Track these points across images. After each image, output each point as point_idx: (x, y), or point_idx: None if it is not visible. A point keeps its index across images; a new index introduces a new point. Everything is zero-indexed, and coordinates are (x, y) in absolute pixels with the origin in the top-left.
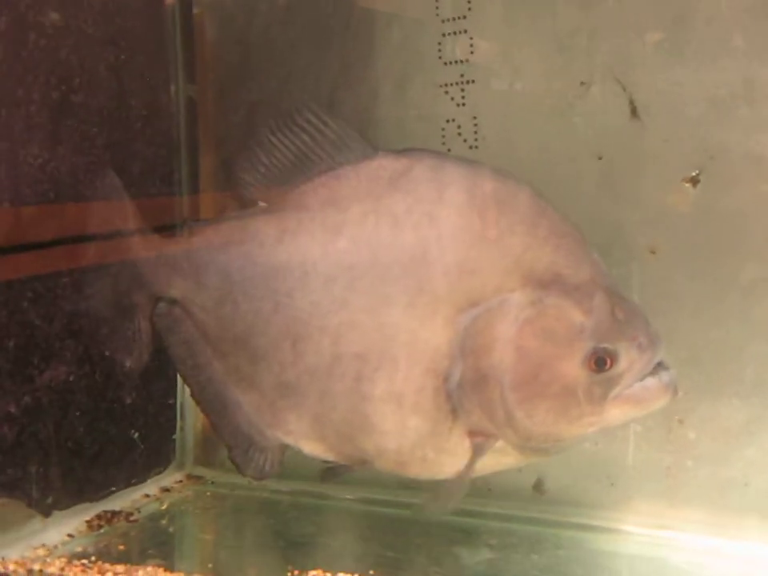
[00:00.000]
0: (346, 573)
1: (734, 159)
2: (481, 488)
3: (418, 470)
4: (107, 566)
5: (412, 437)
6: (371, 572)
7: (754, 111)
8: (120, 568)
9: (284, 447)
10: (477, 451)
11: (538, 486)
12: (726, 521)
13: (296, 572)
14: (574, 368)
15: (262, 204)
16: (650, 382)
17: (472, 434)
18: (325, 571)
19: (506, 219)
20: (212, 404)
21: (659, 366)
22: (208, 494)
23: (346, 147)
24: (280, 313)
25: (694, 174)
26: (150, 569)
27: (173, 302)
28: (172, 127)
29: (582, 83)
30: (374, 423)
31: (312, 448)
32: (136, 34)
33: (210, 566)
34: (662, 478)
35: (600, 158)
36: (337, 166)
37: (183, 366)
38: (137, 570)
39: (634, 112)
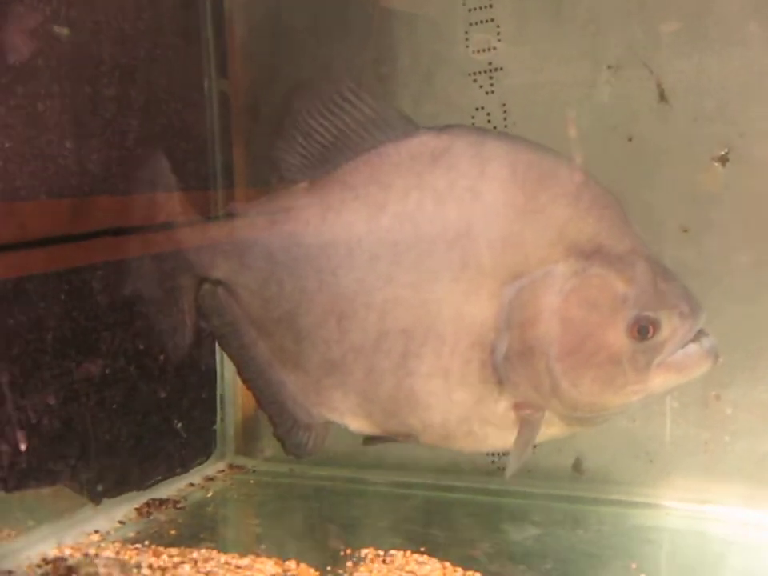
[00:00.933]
0: (398, 550)
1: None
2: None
3: (463, 444)
4: (161, 548)
5: (458, 411)
6: (422, 548)
7: None
8: (174, 551)
9: (328, 425)
10: (530, 425)
11: (577, 466)
12: (763, 493)
13: (348, 550)
14: (617, 337)
15: (303, 185)
16: (692, 348)
17: (518, 406)
18: (377, 549)
19: (548, 192)
20: (257, 383)
21: (700, 333)
22: (251, 482)
23: (386, 125)
24: (325, 291)
25: (722, 153)
26: (203, 551)
27: (217, 283)
28: (205, 122)
29: (609, 67)
30: (420, 399)
31: (358, 425)
32: (168, 29)
33: (262, 546)
34: (699, 453)
35: (630, 140)
36: (378, 145)
37: (228, 347)
38: (191, 552)
39: (662, 95)
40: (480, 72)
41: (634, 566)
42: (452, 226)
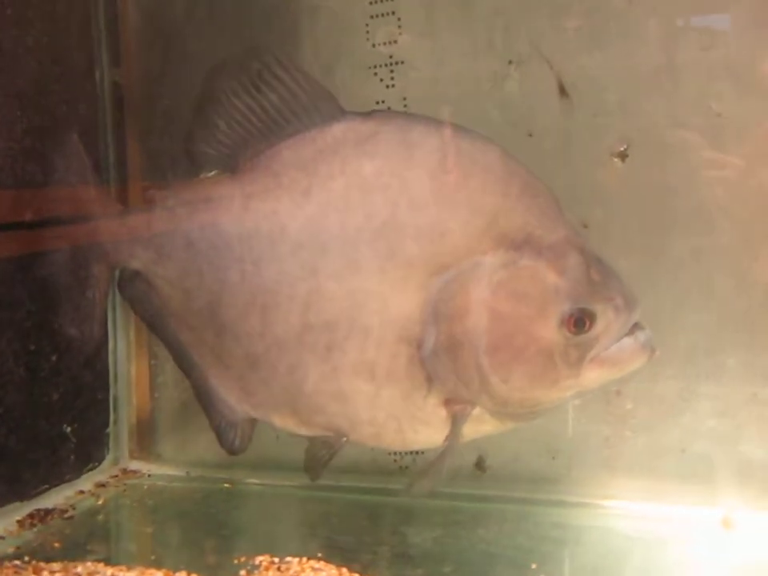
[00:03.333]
0: (294, 557)
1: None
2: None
3: (392, 442)
4: (42, 564)
5: (386, 407)
6: (319, 554)
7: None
8: (56, 566)
9: (254, 422)
10: (456, 421)
11: (480, 464)
12: (664, 487)
13: (242, 558)
14: (550, 330)
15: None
16: (627, 342)
17: (448, 402)
18: (272, 556)
19: (477, 180)
20: (189, 374)
21: (635, 327)
22: (145, 487)
23: (313, 108)
24: (247, 282)
25: (622, 148)
26: (89, 564)
27: (136, 273)
28: (97, 112)
29: (511, 62)
30: (346, 394)
31: (283, 422)
32: (57, 16)
33: (152, 557)
34: (601, 448)
35: (530, 135)
36: (303, 129)
37: (156, 336)
38: (75, 567)
39: (562, 90)
40: (381, 65)
41: (534, 566)
42: (377, 215)
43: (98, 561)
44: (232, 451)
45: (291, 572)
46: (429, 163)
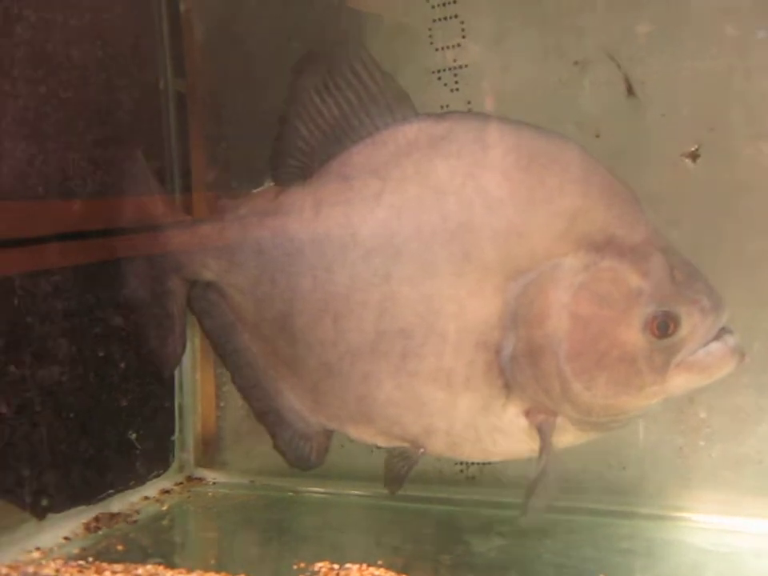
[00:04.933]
0: (354, 563)
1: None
2: (491, 479)
3: (471, 452)
4: (105, 565)
5: (463, 416)
6: (379, 562)
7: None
8: (118, 567)
9: (330, 433)
10: (544, 431)
11: None
12: (740, 500)
13: (302, 564)
14: (633, 334)
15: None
16: (715, 347)
17: (528, 411)
18: (332, 562)
19: (555, 179)
20: (252, 390)
21: (723, 331)
22: (210, 494)
23: (387, 110)
24: (319, 289)
25: (693, 149)
26: (149, 566)
27: (208, 284)
28: (162, 123)
29: (576, 63)
30: (422, 402)
31: (358, 432)
32: (122, 28)
33: (212, 562)
34: (674, 458)
35: (597, 136)
36: (374, 131)
37: (221, 351)
38: (136, 568)
39: (629, 89)
40: (444, 69)
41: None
42: (452, 218)
43: (158, 564)
44: (307, 466)
45: None
46: (505, 163)
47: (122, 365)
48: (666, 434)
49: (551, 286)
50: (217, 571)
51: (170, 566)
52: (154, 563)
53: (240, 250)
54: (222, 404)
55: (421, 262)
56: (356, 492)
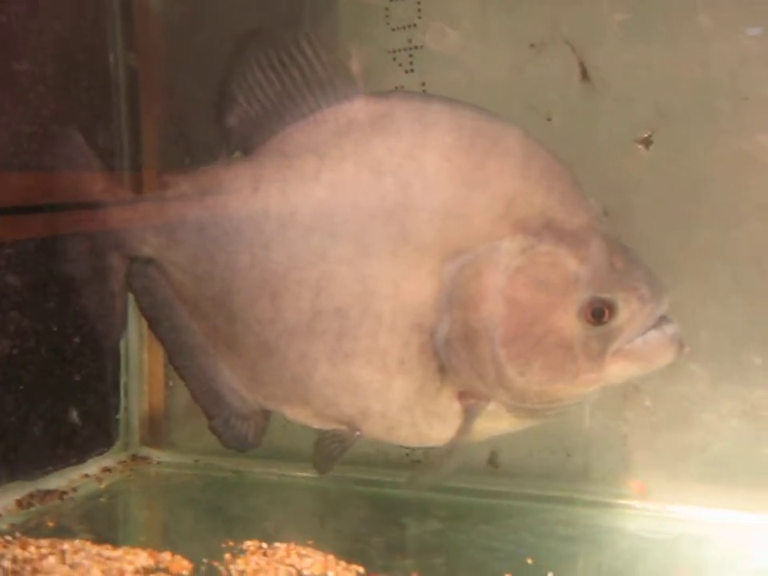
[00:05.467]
0: (283, 543)
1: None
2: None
3: (407, 436)
4: (31, 540)
5: (398, 398)
6: (309, 542)
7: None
8: (44, 542)
9: (268, 414)
10: (469, 415)
11: (493, 460)
12: (683, 487)
13: (231, 543)
14: (569, 320)
15: (236, 156)
16: (653, 336)
17: (462, 395)
18: (261, 541)
19: (495, 161)
20: (190, 369)
21: (662, 320)
22: (152, 473)
23: (330, 87)
24: (257, 267)
25: (646, 135)
26: (76, 542)
27: (148, 261)
28: (111, 97)
29: (532, 46)
30: (357, 384)
31: (295, 413)
32: (73, 0)
33: (142, 539)
34: (619, 446)
35: (549, 120)
36: (316, 109)
37: (160, 329)
38: (62, 544)
39: (584, 74)
40: (399, 50)
41: (530, 560)
42: (390, 198)
43: (87, 540)
44: (244, 446)
45: (276, 557)
46: (445, 144)
47: (76, 339)
48: (612, 421)
49: (487, 269)
50: (143, 547)
51: (97, 541)
52: (82, 539)
53: (180, 228)
54: (171, 383)
55: (357, 241)
56: (300, 473)
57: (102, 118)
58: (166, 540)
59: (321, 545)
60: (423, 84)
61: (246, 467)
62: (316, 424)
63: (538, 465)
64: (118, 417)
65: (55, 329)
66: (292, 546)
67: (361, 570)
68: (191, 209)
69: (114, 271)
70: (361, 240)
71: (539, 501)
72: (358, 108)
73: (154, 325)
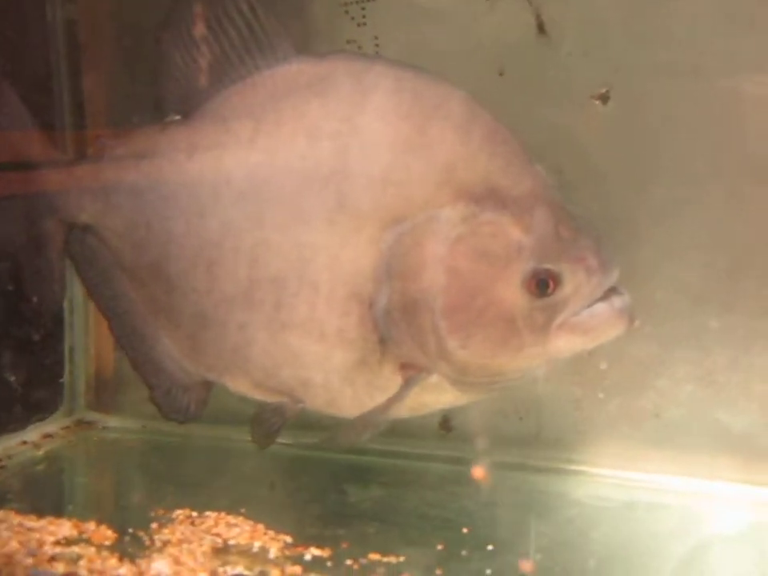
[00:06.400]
0: (214, 511)
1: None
2: (389, 427)
3: (349, 409)
4: None
5: (339, 370)
6: (242, 510)
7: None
8: None
9: (209, 385)
10: (406, 384)
11: (445, 424)
12: (636, 453)
13: (161, 511)
14: (512, 291)
15: (174, 119)
16: (600, 308)
17: (404, 367)
18: (192, 509)
19: (436, 126)
20: (130, 338)
21: (612, 291)
22: (95, 439)
23: (269, 49)
24: (193, 235)
25: (603, 91)
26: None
27: (85, 228)
28: (50, 54)
29: None
30: (297, 355)
31: (236, 384)
32: None
33: (70, 507)
34: (572, 410)
35: (501, 74)
36: (254, 71)
37: (99, 298)
38: None
39: (540, 27)
40: (351, 2)
41: (465, 530)
42: (327, 163)
43: (12, 510)
44: (185, 418)
45: (204, 526)
46: (383, 108)
47: (14, 303)
48: (565, 385)
49: (428, 238)
50: (69, 517)
51: (23, 511)
52: (7, 509)
53: (116, 193)
54: None
55: (294, 208)
56: (248, 438)
57: (39, 74)
58: (96, 509)
59: (253, 513)
60: (376, 38)
61: (195, 432)
62: (258, 395)
63: (490, 429)
64: (61, 381)
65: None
66: (222, 515)
67: (288, 539)
68: (127, 174)
69: (50, 237)
70: (297, 207)
71: (490, 466)
72: (297, 71)
73: (92, 293)
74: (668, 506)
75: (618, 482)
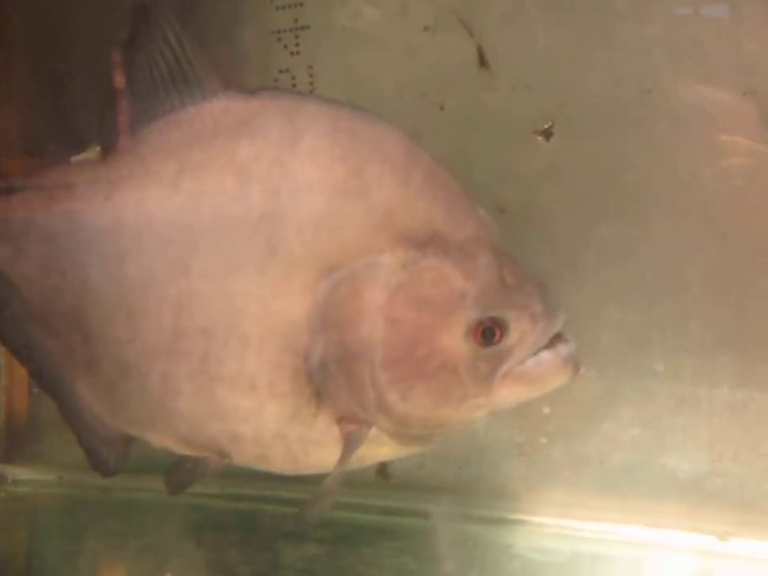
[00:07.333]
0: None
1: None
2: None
3: (281, 464)
4: None
5: (271, 425)
6: (168, 574)
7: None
8: None
9: (130, 439)
10: (349, 444)
11: (382, 471)
12: (581, 500)
13: None
14: (455, 341)
15: (92, 155)
16: (546, 356)
17: (341, 420)
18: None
19: (373, 168)
20: (52, 388)
21: (557, 339)
22: (1, 495)
23: (195, 83)
24: (112, 282)
25: (546, 126)
26: None
27: None
28: None
29: (426, 28)
30: (225, 410)
31: (160, 440)
32: None
33: None
34: (514, 456)
35: (442, 108)
36: (178, 107)
37: (13, 347)
38: None
39: (482, 60)
40: (285, 30)
41: None
42: (257, 207)
43: None
44: (106, 473)
45: None
46: (316, 148)
47: None
48: (507, 430)
49: (365, 286)
50: None
51: None
52: None
53: (26, 236)
54: (35, 389)
55: (222, 255)
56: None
57: None
58: None
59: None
60: (311, 67)
61: (114, 483)
62: (183, 451)
63: (429, 477)
64: None
65: None
66: None
67: None
68: (38, 215)
69: None
70: (225, 254)
71: (429, 517)
72: (224, 108)
73: (6, 342)
74: (613, 557)
75: (562, 532)
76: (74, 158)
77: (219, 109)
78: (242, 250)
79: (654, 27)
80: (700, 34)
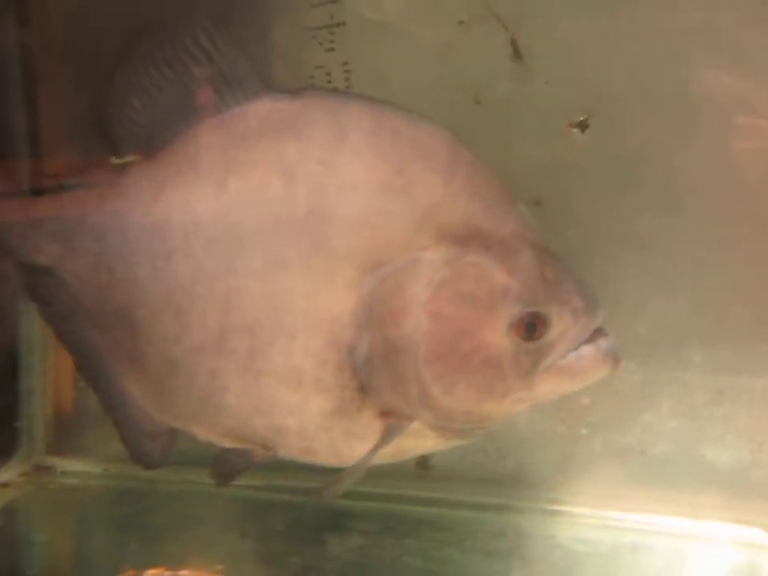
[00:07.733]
0: (189, 570)
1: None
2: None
3: (325, 457)
4: None
5: (315, 419)
6: (219, 567)
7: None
8: None
9: (175, 433)
10: (387, 434)
11: (423, 463)
12: (621, 491)
13: (131, 572)
14: (498, 336)
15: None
16: (587, 350)
17: (384, 414)
18: (166, 569)
19: (416, 166)
20: (98, 384)
21: (597, 333)
22: (52, 486)
23: (237, 84)
24: (159, 280)
25: (582, 118)
26: None
27: (44, 270)
28: (5, 80)
29: (461, 23)
30: (271, 404)
31: (205, 433)
32: None
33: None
34: (555, 447)
35: (477, 102)
36: (224, 109)
37: (65, 341)
38: None
39: (516, 53)
40: (320, 27)
41: None
42: (302, 206)
43: None
44: (150, 465)
45: None
46: (360, 148)
47: None
48: (547, 421)
49: (409, 282)
50: None
51: None
52: None
53: (77, 234)
54: (81, 385)
55: (268, 254)
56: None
57: None
58: (50, 571)
59: (232, 568)
60: (346, 63)
61: (159, 476)
62: (228, 443)
63: (469, 468)
64: (19, 425)
65: None
66: (199, 573)
67: None
68: (89, 215)
69: (3, 279)
70: (271, 252)
71: (470, 509)
72: (269, 108)
73: (58, 336)
74: (653, 547)
75: (602, 522)
76: (114, 160)
77: (264, 110)
78: (287, 248)
79: (689, 17)
80: (735, 21)
